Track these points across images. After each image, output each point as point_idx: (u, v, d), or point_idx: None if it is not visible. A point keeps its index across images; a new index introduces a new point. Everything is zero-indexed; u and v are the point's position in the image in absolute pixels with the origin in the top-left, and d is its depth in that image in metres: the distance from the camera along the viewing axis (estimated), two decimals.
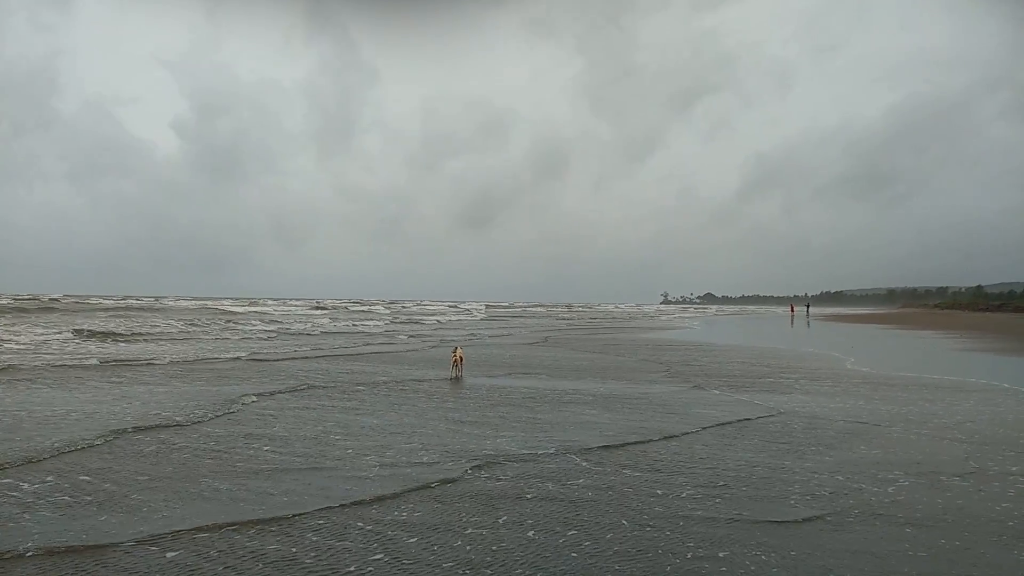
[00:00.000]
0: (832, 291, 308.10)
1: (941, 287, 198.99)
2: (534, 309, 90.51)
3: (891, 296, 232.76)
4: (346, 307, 69.21)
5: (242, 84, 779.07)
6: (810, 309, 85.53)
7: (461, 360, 12.62)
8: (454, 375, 12.46)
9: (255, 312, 47.37)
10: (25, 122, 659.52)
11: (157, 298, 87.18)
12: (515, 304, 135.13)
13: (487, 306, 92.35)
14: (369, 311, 59.84)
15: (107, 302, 59.83)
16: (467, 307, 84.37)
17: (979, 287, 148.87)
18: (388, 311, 61.83)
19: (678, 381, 12.39)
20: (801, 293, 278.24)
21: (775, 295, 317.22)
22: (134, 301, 65.65)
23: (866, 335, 32.72)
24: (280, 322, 34.46)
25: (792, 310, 76.08)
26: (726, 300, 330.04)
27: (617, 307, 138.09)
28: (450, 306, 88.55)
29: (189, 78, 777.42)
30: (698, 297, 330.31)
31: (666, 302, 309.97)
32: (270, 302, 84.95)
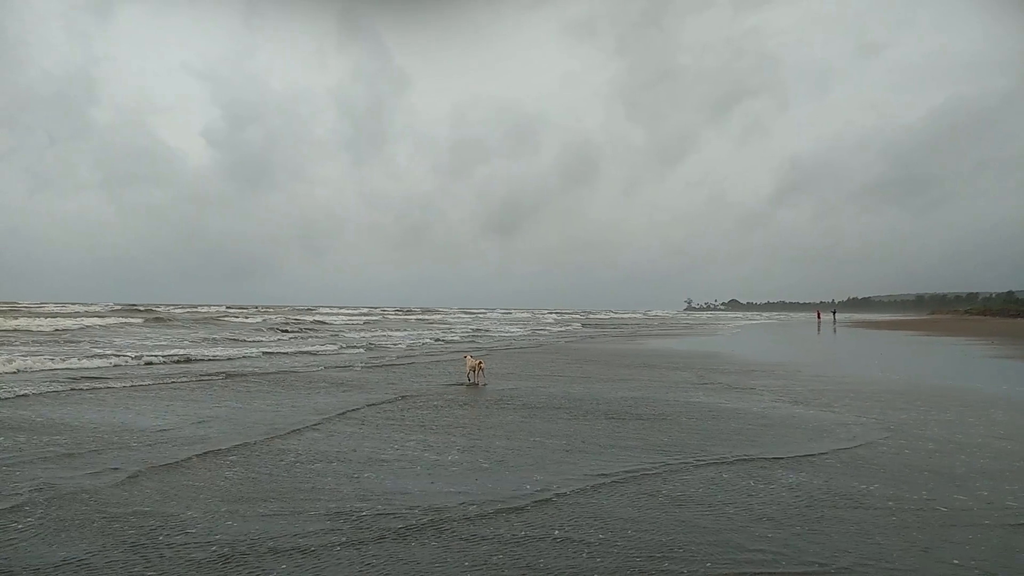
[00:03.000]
0: (860, 297, 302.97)
1: (971, 293, 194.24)
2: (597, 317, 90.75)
3: (920, 302, 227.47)
4: (406, 315, 70.19)
5: (273, 92, 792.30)
6: (836, 315, 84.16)
7: (481, 368, 12.78)
8: (472, 381, 12.65)
9: (320, 320, 48.35)
10: (61, 131, 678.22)
11: (195, 306, 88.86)
12: (539, 311, 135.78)
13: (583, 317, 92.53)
14: (444, 320, 60.48)
15: (177, 310, 61.72)
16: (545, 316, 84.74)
17: (1010, 293, 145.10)
18: (457, 320, 62.62)
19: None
20: (828, 299, 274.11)
21: (801, 301, 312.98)
22: (177, 310, 67.27)
23: (906, 342, 31.71)
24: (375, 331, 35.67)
25: (819, 316, 75.11)
26: (751, 306, 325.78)
27: (648, 313, 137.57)
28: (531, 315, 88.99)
29: (222, 86, 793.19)
30: (723, 303, 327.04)
31: (690, 308, 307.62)
32: (323, 309, 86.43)
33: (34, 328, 29.30)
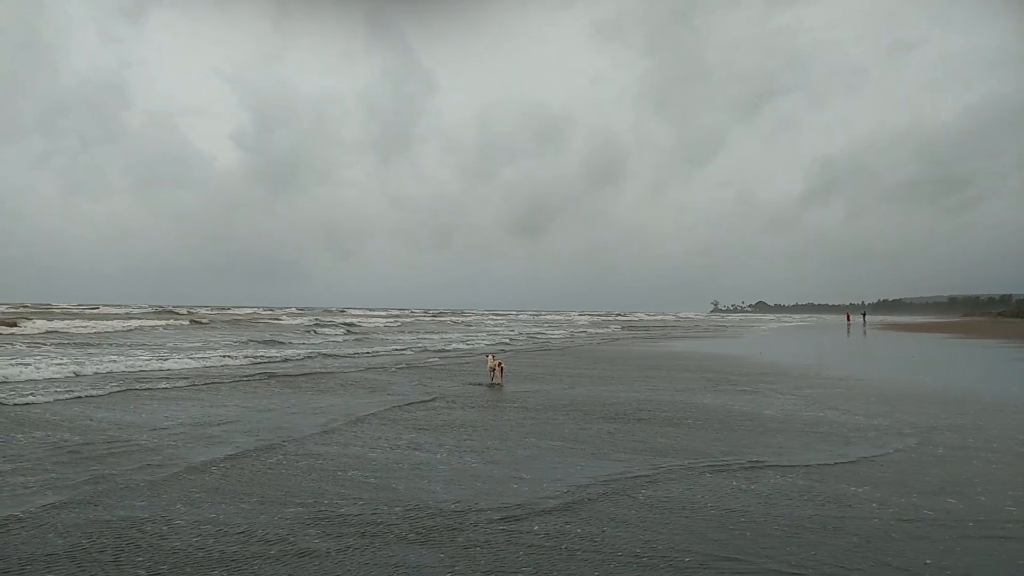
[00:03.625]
0: (890, 299, 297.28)
1: (1005, 295, 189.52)
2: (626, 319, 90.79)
3: (952, 304, 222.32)
4: (436, 318, 70.84)
5: (301, 95, 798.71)
6: (867, 317, 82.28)
7: (501, 369, 12.75)
8: (494, 382, 12.60)
9: (354, 323, 49.21)
10: (94, 136, 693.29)
11: (226, 308, 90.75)
12: (568, 312, 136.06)
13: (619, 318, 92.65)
14: (479, 322, 61.02)
15: (208, 311, 63.38)
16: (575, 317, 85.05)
17: None
18: (491, 322, 63.03)
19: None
20: (857, 301, 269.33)
21: (829, 303, 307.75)
22: (208, 311, 68.92)
23: (937, 345, 30.75)
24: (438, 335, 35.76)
25: (848, 319, 73.65)
26: (778, 308, 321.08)
27: (679, 315, 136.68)
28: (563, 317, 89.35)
29: (250, 90, 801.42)
30: (750, 305, 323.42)
31: (716, 310, 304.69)
32: (355, 311, 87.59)
33: (101, 329, 30.56)
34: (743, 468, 6.26)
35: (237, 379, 13.06)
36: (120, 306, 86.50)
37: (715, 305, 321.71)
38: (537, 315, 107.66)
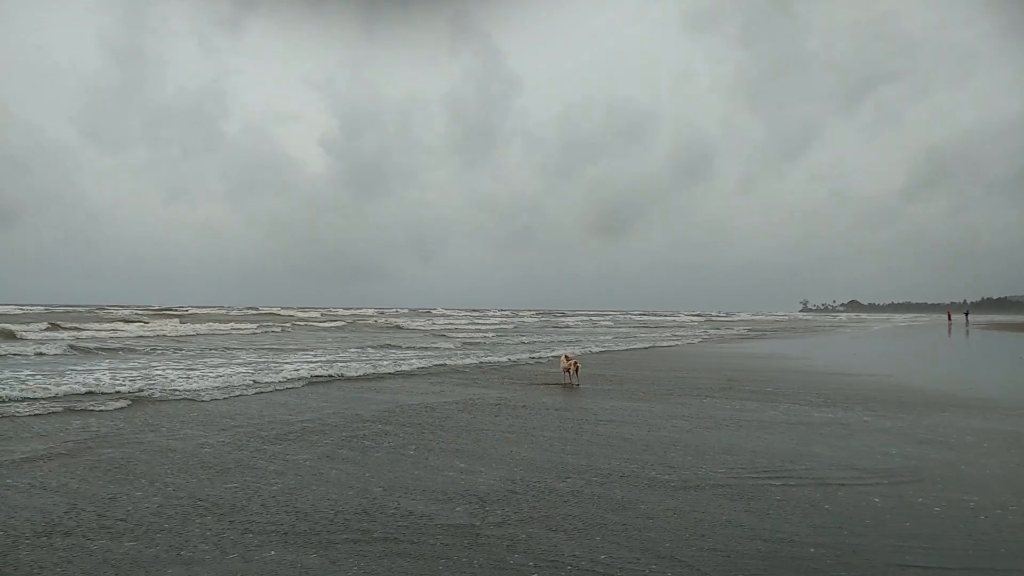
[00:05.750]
0: (995, 297, 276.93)
1: None
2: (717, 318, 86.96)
3: None
4: (530, 319, 69.21)
5: (388, 99, 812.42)
6: (969, 317, 77.69)
7: (576, 368, 12.72)
8: (569, 381, 12.68)
9: (455, 327, 47.94)
10: (194, 144, 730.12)
11: (316, 309, 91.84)
12: (660, 312, 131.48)
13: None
14: (578, 325, 58.97)
15: (302, 313, 63.92)
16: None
17: None
18: (586, 324, 60.99)
19: None
20: (959, 299, 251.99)
21: (928, 301, 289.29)
22: (318, 312, 69.27)
23: None
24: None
25: (949, 318, 70.73)
26: (872, 307, 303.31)
27: (771, 315, 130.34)
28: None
29: (339, 96, 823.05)
30: (841, 304, 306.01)
31: (806, 310, 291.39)
32: (448, 313, 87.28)
33: (245, 332, 30.39)
34: None
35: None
36: (218, 308, 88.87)
37: (804, 304, 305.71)
38: (625, 314, 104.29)
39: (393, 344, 24.42)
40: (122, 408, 9.07)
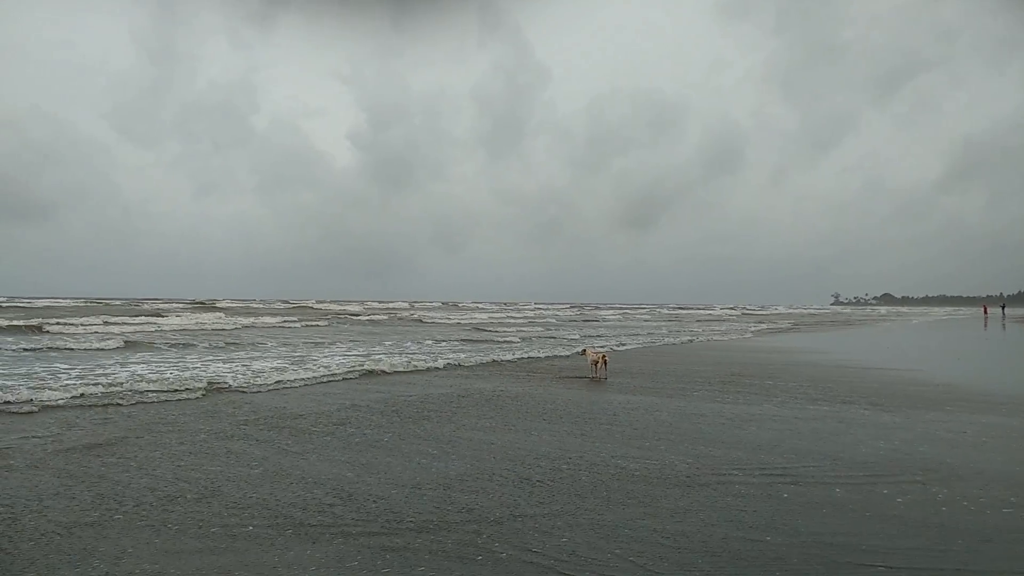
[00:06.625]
0: None
1: None
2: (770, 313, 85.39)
3: None
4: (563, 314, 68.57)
5: (415, 93, 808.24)
6: (1006, 310, 75.91)
7: (605, 361, 13.02)
8: (595, 375, 12.92)
9: (496, 323, 47.49)
10: (224, 138, 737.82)
11: (346, 301, 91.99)
12: (691, 307, 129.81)
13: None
14: (611, 319, 58.45)
15: (329, 306, 63.98)
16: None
17: None
18: (619, 318, 60.16)
19: None
20: (995, 292, 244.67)
21: (963, 295, 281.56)
22: (355, 306, 69.33)
23: None
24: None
25: (985, 311, 69.52)
26: (906, 301, 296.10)
27: (804, 309, 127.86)
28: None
29: (367, 89, 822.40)
30: (874, 298, 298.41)
31: (837, 303, 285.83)
32: (480, 306, 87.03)
33: (293, 326, 30.37)
34: None
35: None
36: (249, 301, 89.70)
37: (836, 297, 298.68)
38: (657, 307, 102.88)
39: (471, 338, 25.07)
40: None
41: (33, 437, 6.92)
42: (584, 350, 14.26)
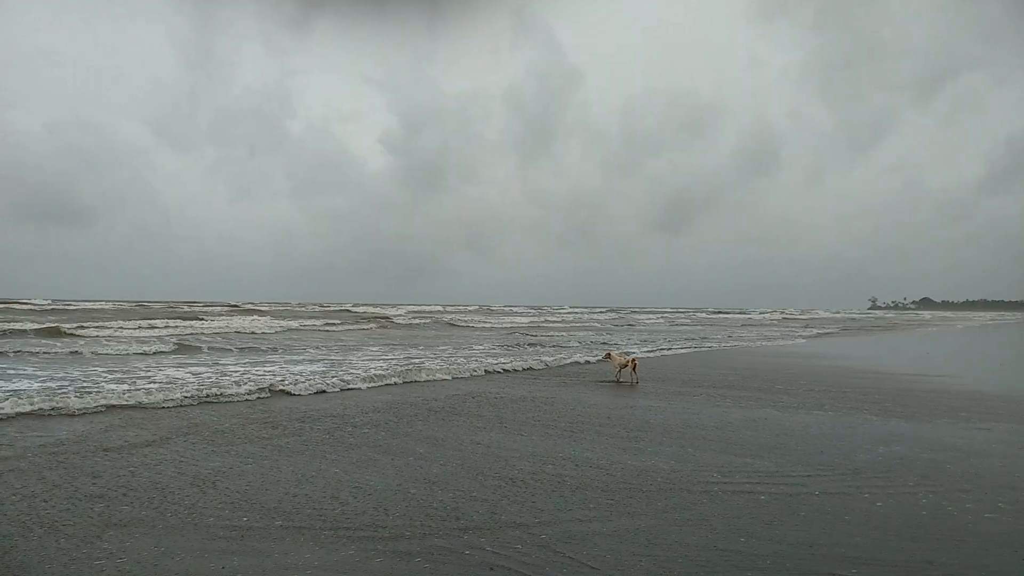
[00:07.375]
0: None
1: None
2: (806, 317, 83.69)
3: None
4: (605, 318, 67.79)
5: (448, 96, 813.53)
6: None
7: (634, 365, 13.20)
8: (622, 379, 13.24)
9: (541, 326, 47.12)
10: (260, 143, 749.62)
11: (395, 305, 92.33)
12: (725, 310, 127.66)
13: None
14: (657, 325, 57.71)
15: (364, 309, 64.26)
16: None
17: None
18: (657, 323, 59.42)
19: None
20: None
21: (1005, 299, 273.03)
22: (392, 310, 69.52)
23: None
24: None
25: None
26: (946, 305, 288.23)
27: (868, 312, 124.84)
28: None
29: (400, 93, 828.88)
30: (913, 302, 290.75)
31: (875, 307, 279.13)
32: (516, 310, 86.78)
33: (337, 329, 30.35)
34: None
35: None
36: (285, 304, 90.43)
37: (873, 302, 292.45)
38: (694, 311, 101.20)
39: (530, 342, 23.93)
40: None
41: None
42: (608, 354, 14.24)
